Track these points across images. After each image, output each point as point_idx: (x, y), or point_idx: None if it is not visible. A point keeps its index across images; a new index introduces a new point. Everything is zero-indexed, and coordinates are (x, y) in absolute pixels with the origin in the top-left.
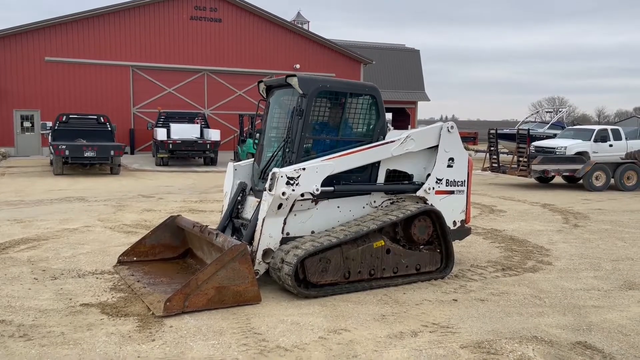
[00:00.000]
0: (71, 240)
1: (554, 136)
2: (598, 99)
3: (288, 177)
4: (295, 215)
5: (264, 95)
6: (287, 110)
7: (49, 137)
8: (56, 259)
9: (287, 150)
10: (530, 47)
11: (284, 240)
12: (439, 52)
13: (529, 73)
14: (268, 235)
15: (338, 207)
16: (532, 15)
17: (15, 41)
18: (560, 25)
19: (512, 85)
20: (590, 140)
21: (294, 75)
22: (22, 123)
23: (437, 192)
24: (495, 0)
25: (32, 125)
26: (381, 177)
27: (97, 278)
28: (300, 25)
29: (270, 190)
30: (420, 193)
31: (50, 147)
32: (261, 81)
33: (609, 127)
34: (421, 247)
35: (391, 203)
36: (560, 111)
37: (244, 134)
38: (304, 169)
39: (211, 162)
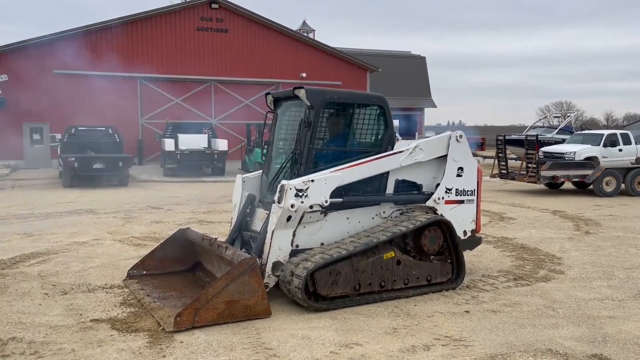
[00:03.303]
0: (81, 253)
1: (563, 141)
2: (605, 102)
3: (297, 189)
4: (304, 227)
5: (272, 107)
6: (295, 122)
7: (58, 149)
8: (66, 273)
9: (295, 162)
10: (533, 51)
11: (294, 253)
12: (443, 58)
13: (534, 77)
14: (277, 248)
15: (347, 218)
16: (533, 19)
17: (25, 54)
18: (562, 28)
19: (519, 89)
20: (599, 145)
21: (302, 87)
22: (31, 135)
23: (447, 202)
24: (495, 5)
25: (41, 138)
26: (390, 188)
27: (107, 292)
28: (305, 34)
29: (279, 202)
30: (429, 203)
31: (59, 159)
32: (268, 93)
33: (618, 132)
34: (432, 257)
35: (401, 214)
36: (568, 116)
37: (252, 144)
38: (312, 180)
39: (219, 172)
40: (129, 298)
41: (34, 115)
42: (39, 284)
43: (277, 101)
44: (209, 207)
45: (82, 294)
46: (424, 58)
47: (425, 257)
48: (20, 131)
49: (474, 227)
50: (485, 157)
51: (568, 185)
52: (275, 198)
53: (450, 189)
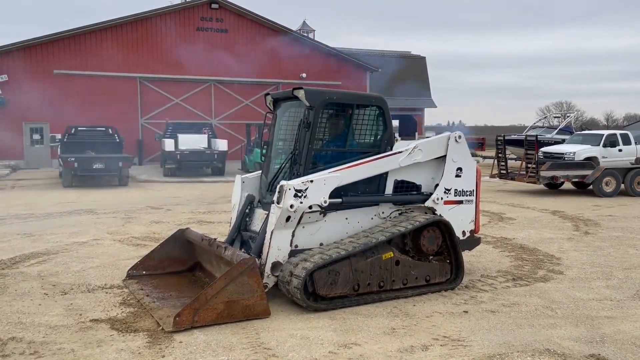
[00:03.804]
0: (80, 253)
1: (563, 141)
2: (605, 102)
3: (296, 190)
4: (303, 227)
5: (271, 108)
6: (294, 122)
7: (58, 149)
8: (66, 273)
9: (294, 162)
10: (533, 51)
11: (293, 253)
12: (443, 58)
13: (534, 77)
14: (276, 248)
15: (346, 218)
16: (533, 20)
17: (25, 55)
18: (561, 29)
19: (519, 89)
20: (599, 145)
21: (301, 88)
22: (31, 136)
23: (446, 202)
24: (496, 5)
25: (42, 138)
26: (389, 188)
27: (106, 292)
28: (305, 34)
29: (278, 202)
30: (428, 203)
31: (60, 159)
32: (268, 94)
33: (617, 132)
34: (430, 258)
35: (400, 214)
36: (568, 116)
37: (252, 144)
38: (311, 181)
39: (219, 172)
40: (128, 298)
41: (34, 115)
42: (39, 284)
43: (277, 102)
44: (208, 208)
45: (81, 294)
46: (424, 58)
47: (424, 258)
48: (20, 131)
49: (472, 227)
50: (485, 157)
51: (568, 185)
52: (275, 198)
53: (449, 190)
